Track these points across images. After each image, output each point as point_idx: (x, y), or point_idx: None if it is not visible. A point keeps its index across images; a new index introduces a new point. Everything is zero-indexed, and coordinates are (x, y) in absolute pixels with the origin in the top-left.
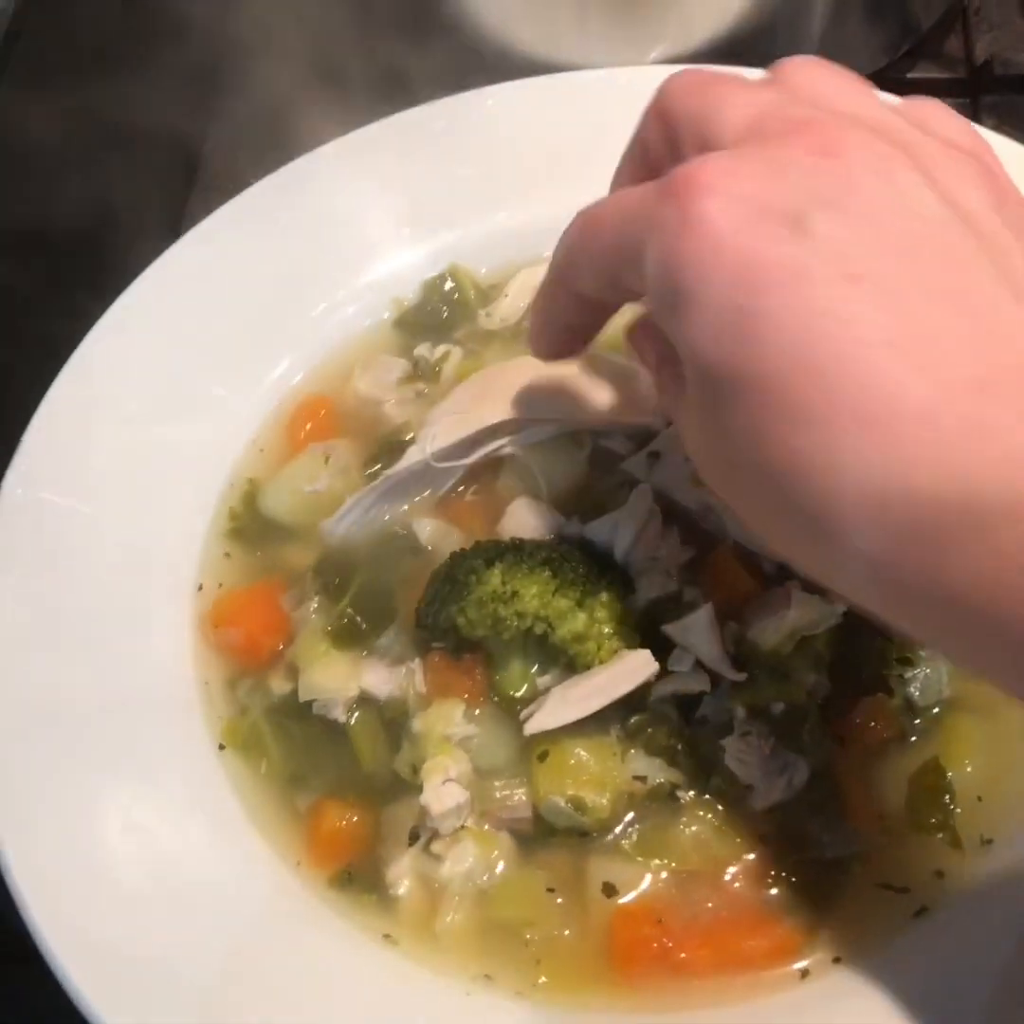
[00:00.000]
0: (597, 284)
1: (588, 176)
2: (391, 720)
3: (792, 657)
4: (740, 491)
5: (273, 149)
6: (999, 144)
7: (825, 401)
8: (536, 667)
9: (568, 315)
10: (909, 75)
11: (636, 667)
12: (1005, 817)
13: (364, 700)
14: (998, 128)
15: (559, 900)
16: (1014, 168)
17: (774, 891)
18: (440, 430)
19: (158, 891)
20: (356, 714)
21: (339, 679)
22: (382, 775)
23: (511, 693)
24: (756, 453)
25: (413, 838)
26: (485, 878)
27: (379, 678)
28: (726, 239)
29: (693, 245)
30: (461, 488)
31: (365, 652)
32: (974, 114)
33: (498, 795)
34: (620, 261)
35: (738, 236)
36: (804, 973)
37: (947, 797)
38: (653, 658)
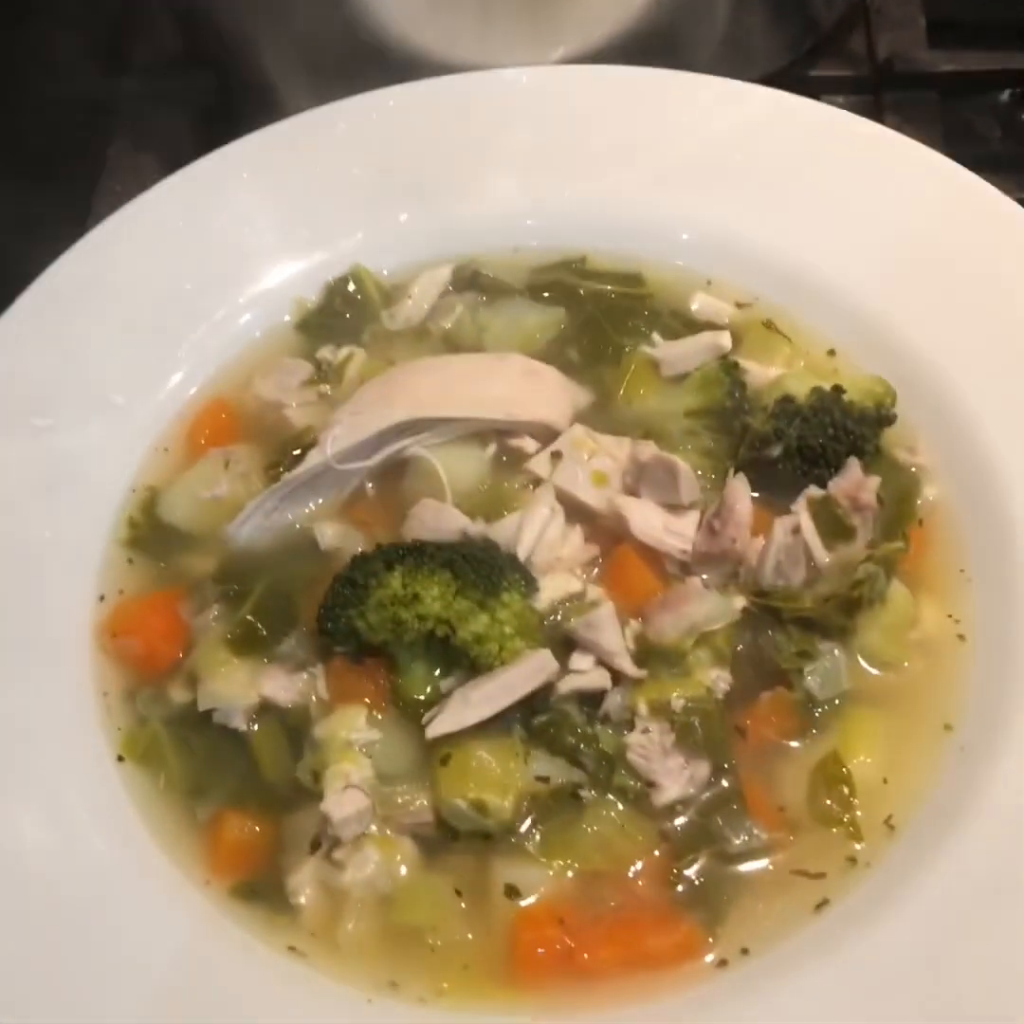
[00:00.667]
0: None
1: (490, 176)
2: (293, 727)
3: (692, 653)
4: None
5: (179, 150)
6: (902, 144)
7: None
8: (439, 670)
9: None
10: (812, 73)
11: (537, 667)
12: (905, 808)
13: (265, 708)
14: (900, 126)
15: (463, 904)
16: (915, 168)
17: (677, 888)
18: (342, 431)
19: (54, 908)
20: (256, 723)
21: (239, 687)
22: (283, 783)
23: (414, 696)
24: None
25: (315, 846)
26: (388, 884)
27: (280, 685)
28: None
29: None
30: (365, 490)
31: (266, 659)
32: (877, 111)
33: (400, 800)
34: None
35: None
36: (721, 963)
37: (847, 789)
38: (553, 658)
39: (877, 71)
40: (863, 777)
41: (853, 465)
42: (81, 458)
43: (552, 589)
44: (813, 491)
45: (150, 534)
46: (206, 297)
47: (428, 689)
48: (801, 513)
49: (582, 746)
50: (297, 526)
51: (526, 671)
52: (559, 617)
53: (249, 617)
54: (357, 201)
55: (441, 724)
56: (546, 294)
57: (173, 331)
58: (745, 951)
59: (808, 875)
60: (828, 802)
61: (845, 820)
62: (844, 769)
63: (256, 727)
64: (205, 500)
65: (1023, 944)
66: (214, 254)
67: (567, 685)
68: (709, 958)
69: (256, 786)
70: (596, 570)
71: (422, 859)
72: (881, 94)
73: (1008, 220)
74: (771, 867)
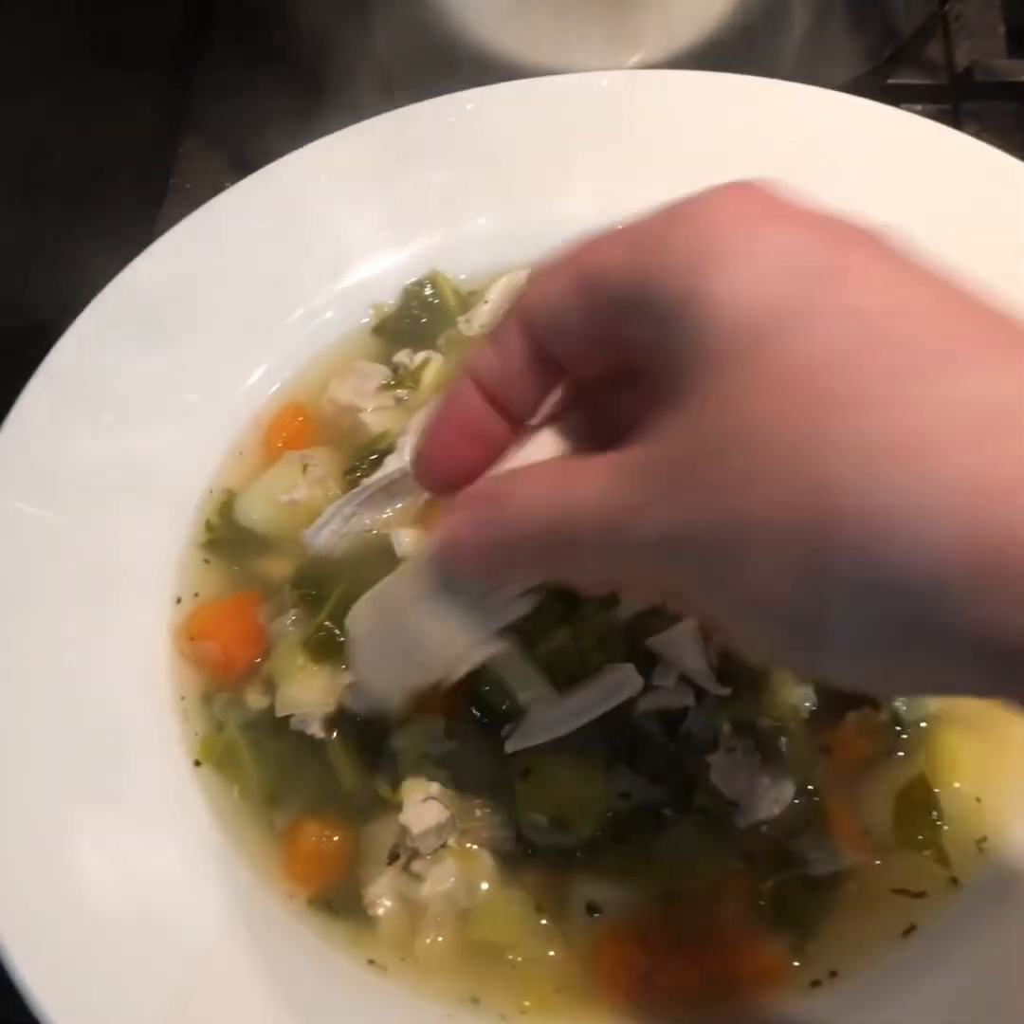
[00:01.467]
0: (586, 323)
1: (569, 181)
2: (370, 736)
3: (777, 671)
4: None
5: (251, 152)
6: (980, 151)
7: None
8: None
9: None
10: (890, 81)
11: (620, 682)
12: (995, 832)
13: (342, 716)
14: (979, 134)
15: (543, 920)
16: (995, 175)
17: (760, 909)
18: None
19: (132, 913)
20: (334, 730)
21: (317, 693)
22: (361, 793)
23: (493, 709)
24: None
25: (393, 858)
26: (467, 898)
27: (358, 693)
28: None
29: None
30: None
31: (344, 666)
32: (955, 120)
33: (479, 814)
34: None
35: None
36: (813, 983)
37: (934, 814)
38: (637, 673)
39: (955, 80)
40: (952, 800)
41: None
42: (157, 458)
43: (633, 602)
44: None
45: (227, 537)
46: (283, 299)
47: (507, 702)
48: None
49: (664, 764)
50: (374, 531)
51: (608, 686)
52: (641, 632)
53: (327, 623)
54: (435, 205)
55: (521, 738)
56: None
57: (250, 332)
58: (834, 974)
59: (906, 893)
60: (915, 825)
61: (933, 845)
62: (932, 792)
63: (334, 735)
64: (283, 504)
65: None
66: (291, 256)
67: (649, 702)
68: (798, 980)
69: (334, 795)
70: None
71: (501, 874)
72: (959, 103)
73: None
74: (857, 889)
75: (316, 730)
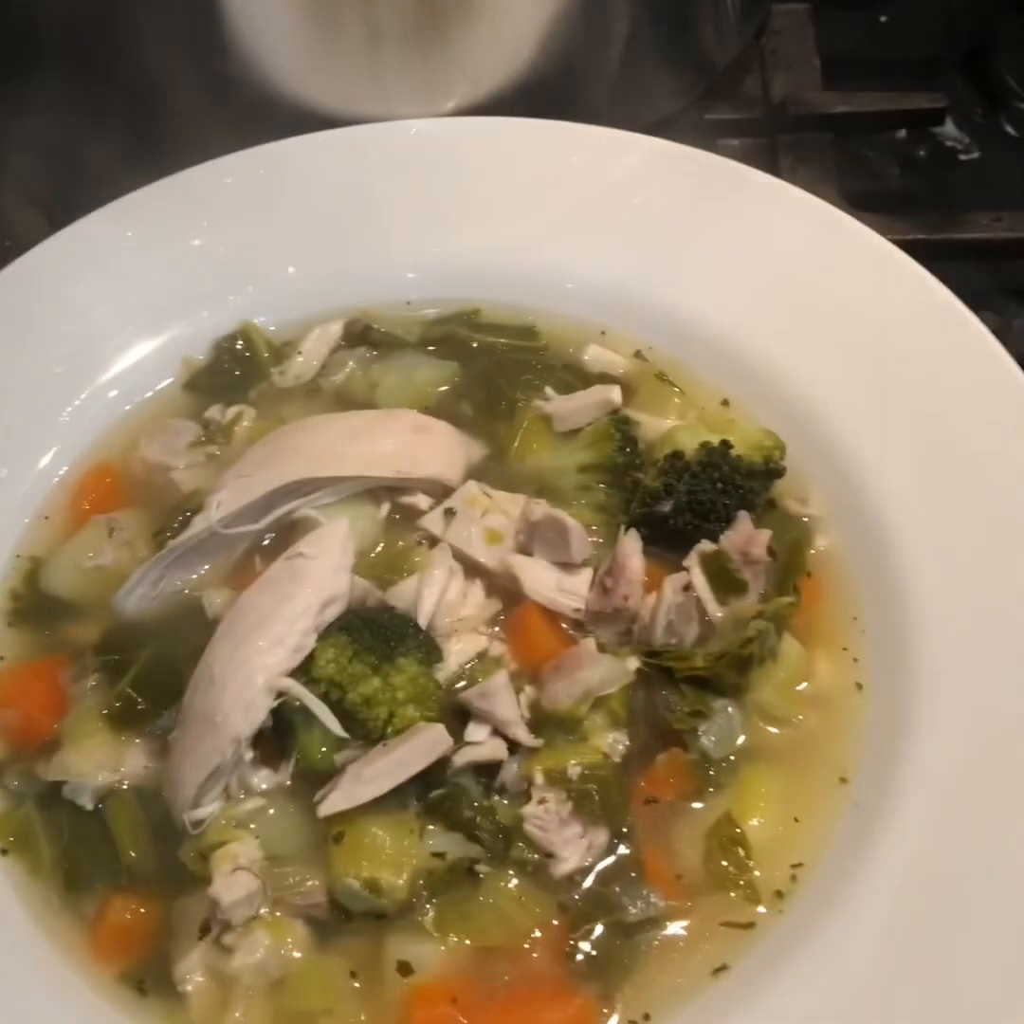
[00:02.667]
0: None
1: (380, 229)
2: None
3: (588, 717)
4: None
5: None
6: (782, 190)
7: None
8: (334, 738)
9: None
10: (707, 116)
11: (431, 743)
12: (801, 866)
13: (130, 785)
14: (794, 166)
15: (357, 984)
16: (802, 217)
17: (574, 959)
18: (228, 495)
19: None
20: (109, 800)
21: (97, 762)
22: (157, 866)
23: (309, 760)
24: None
25: (204, 931)
26: (280, 968)
27: (149, 762)
28: None
29: None
30: (256, 552)
31: (138, 740)
32: (773, 152)
33: (292, 881)
34: None
35: None
36: None
37: (742, 851)
38: (447, 733)
39: (771, 112)
40: (759, 837)
41: (744, 519)
42: None
43: (459, 653)
44: (704, 546)
45: (33, 605)
46: (89, 359)
47: (323, 753)
48: (693, 568)
49: (479, 819)
50: (187, 592)
51: (420, 746)
52: (466, 682)
53: (128, 690)
54: (246, 256)
55: (334, 802)
56: (436, 348)
57: (56, 394)
58: (648, 1017)
59: (733, 926)
60: (724, 864)
61: (741, 883)
62: (738, 830)
63: (107, 805)
64: (89, 569)
65: (921, 1001)
66: (98, 314)
67: (463, 757)
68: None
69: (141, 869)
70: (498, 627)
71: (315, 941)
72: (776, 136)
73: (895, 270)
74: (670, 933)
75: (86, 801)
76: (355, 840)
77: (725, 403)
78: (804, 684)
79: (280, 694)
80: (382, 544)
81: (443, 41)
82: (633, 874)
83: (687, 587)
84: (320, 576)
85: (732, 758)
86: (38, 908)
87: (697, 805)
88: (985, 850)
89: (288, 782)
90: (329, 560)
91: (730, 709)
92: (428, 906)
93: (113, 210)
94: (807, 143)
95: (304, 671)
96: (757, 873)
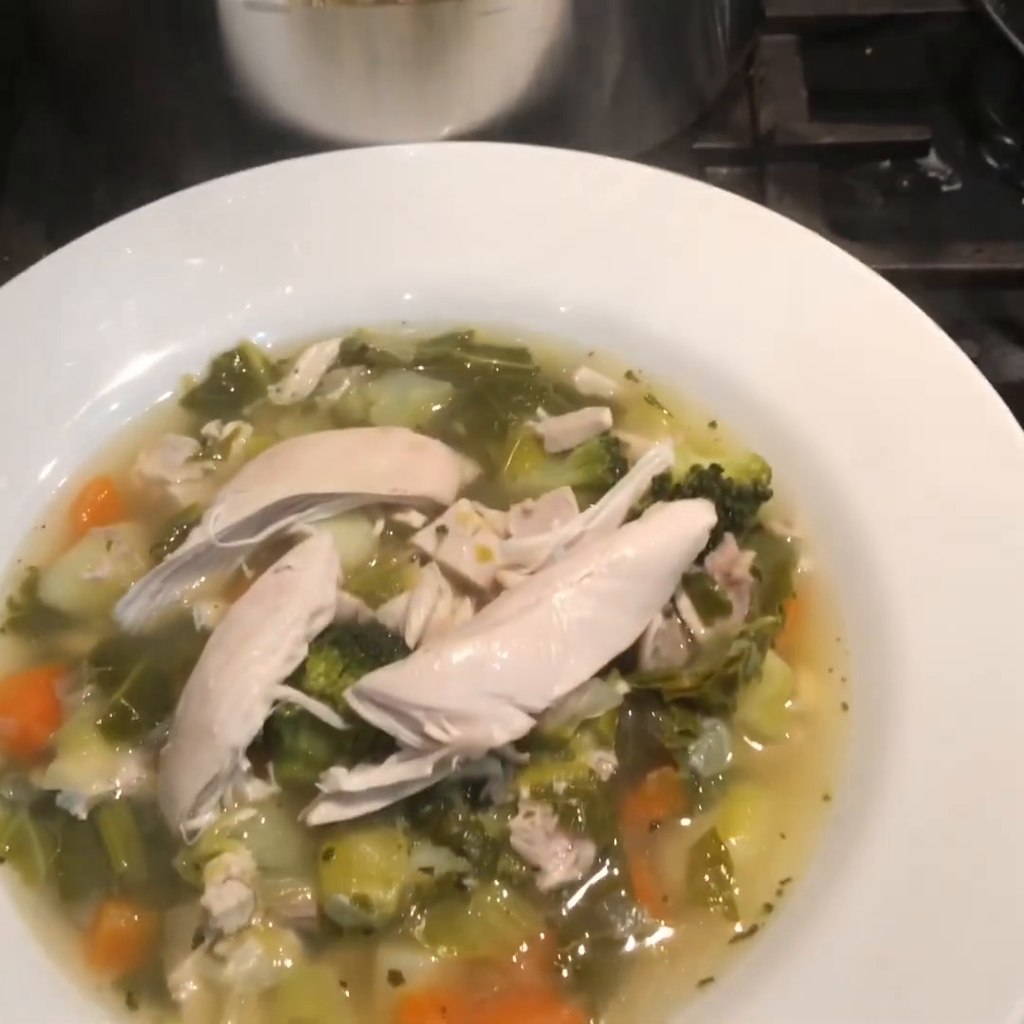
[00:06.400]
0: None
1: (376, 251)
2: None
3: (575, 736)
4: None
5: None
6: (775, 222)
7: None
8: (323, 751)
9: None
10: (696, 145)
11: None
12: (784, 883)
13: (123, 795)
14: (781, 196)
15: (347, 993)
16: (787, 245)
17: (561, 972)
18: (224, 510)
19: None
20: (102, 809)
21: (91, 771)
22: (150, 875)
23: (295, 777)
24: None
25: (197, 940)
26: (271, 977)
27: (143, 772)
28: None
29: None
30: (249, 567)
31: (131, 750)
32: (760, 181)
33: (283, 892)
34: None
35: None
36: None
37: (724, 868)
38: None
39: (759, 142)
40: (742, 854)
41: (728, 541)
42: None
43: None
44: (688, 569)
45: (30, 614)
46: (89, 374)
47: (311, 767)
48: (677, 590)
49: (466, 834)
50: (185, 603)
51: (412, 762)
52: None
53: (123, 701)
54: (244, 276)
55: (323, 814)
56: (431, 368)
57: (56, 409)
58: None
59: (703, 946)
60: (706, 879)
61: (721, 899)
62: (722, 848)
63: (100, 815)
64: (86, 581)
65: (903, 1012)
66: (97, 331)
67: (453, 772)
68: None
69: (135, 878)
70: None
71: (306, 951)
72: (764, 165)
73: (878, 298)
74: (656, 948)
75: (80, 810)
76: (344, 857)
77: (712, 425)
78: (790, 702)
79: (276, 701)
80: (375, 560)
81: (440, 69)
82: (621, 890)
83: (669, 614)
84: (307, 587)
85: (721, 777)
86: (33, 916)
87: (686, 822)
88: (965, 867)
89: (278, 790)
90: (315, 571)
91: (718, 728)
92: (419, 917)
93: (113, 228)
94: (794, 172)
95: (295, 684)
96: (737, 890)
